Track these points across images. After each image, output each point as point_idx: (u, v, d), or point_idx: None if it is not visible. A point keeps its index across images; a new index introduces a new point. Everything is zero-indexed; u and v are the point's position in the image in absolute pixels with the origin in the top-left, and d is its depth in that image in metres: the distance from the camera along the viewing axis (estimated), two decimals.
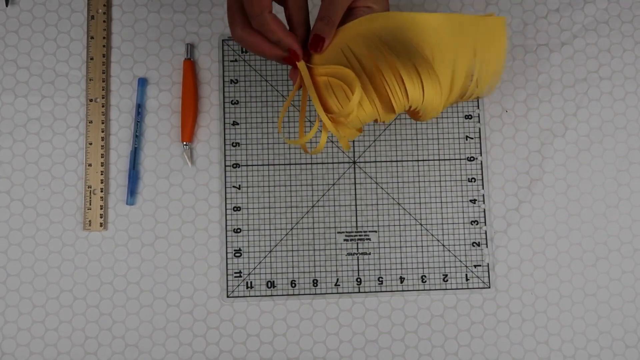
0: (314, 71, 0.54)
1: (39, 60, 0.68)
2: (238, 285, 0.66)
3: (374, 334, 0.66)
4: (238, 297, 0.66)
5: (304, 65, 0.53)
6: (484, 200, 0.68)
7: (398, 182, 0.68)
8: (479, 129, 0.69)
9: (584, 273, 0.68)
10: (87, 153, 0.67)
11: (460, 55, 0.55)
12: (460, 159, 0.69)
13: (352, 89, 0.52)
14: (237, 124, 0.68)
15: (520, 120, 0.69)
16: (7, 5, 0.69)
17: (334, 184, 0.68)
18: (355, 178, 0.68)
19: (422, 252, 0.67)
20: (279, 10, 0.54)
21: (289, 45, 0.52)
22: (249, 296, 0.66)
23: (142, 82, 0.68)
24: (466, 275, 0.67)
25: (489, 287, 0.67)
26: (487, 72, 0.57)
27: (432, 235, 0.67)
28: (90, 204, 0.66)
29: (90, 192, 0.67)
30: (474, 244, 0.67)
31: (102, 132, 0.67)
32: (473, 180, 0.68)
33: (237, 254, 0.67)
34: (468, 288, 0.67)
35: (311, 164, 0.68)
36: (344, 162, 0.68)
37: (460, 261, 0.67)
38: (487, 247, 0.67)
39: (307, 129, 0.68)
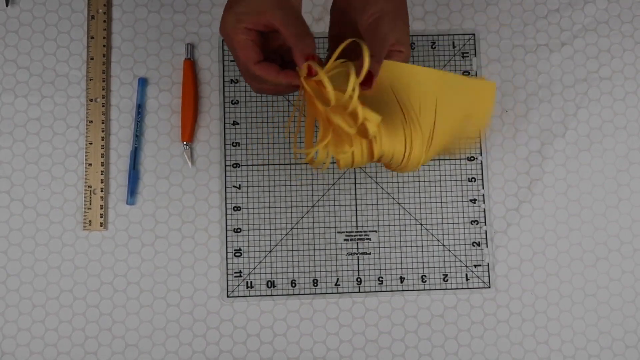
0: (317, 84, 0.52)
1: (39, 60, 0.69)
2: (238, 285, 0.66)
3: (374, 334, 0.66)
4: (238, 297, 0.66)
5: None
6: (484, 200, 0.68)
7: (398, 182, 0.68)
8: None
9: (584, 273, 0.68)
10: (87, 153, 0.67)
11: (445, 109, 0.54)
12: (460, 159, 0.69)
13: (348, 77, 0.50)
14: (237, 123, 0.68)
15: (520, 120, 0.69)
16: (7, 5, 0.69)
17: (334, 184, 0.68)
18: (355, 178, 0.68)
19: (422, 252, 0.67)
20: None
21: (287, 83, 0.51)
22: (249, 296, 0.66)
23: (142, 82, 0.68)
24: (466, 275, 0.67)
25: (489, 287, 0.67)
26: (473, 131, 0.59)
27: (432, 235, 0.67)
28: (90, 204, 0.66)
29: (90, 192, 0.67)
30: (474, 244, 0.68)
31: (102, 132, 0.67)
32: (473, 180, 0.68)
33: (237, 254, 0.67)
34: (468, 288, 0.67)
35: None
36: None
37: (460, 261, 0.67)
38: (487, 247, 0.67)
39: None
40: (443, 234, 0.68)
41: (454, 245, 0.67)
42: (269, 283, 0.67)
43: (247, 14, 0.50)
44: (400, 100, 0.52)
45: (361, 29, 0.54)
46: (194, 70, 0.69)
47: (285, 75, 0.51)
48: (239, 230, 0.67)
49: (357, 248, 0.67)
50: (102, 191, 0.67)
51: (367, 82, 0.50)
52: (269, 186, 0.68)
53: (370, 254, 0.67)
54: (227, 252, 0.67)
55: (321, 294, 0.67)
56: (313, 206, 0.68)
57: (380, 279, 0.67)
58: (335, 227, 0.67)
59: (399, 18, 0.53)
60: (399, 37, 0.53)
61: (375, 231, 0.67)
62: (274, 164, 0.68)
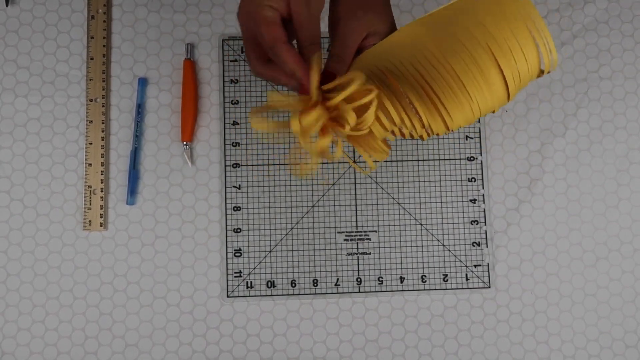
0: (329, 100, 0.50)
1: (39, 60, 0.68)
2: (238, 285, 0.66)
3: (374, 334, 0.66)
4: (238, 296, 0.66)
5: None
6: (484, 200, 0.68)
7: (398, 182, 0.68)
8: (479, 129, 0.69)
9: (584, 273, 0.68)
10: (87, 153, 0.67)
11: (472, 46, 0.48)
12: (460, 159, 0.69)
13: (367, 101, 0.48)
14: (237, 123, 0.68)
15: (520, 120, 0.69)
16: (7, 5, 0.69)
17: (334, 184, 0.68)
18: (355, 178, 0.68)
19: (422, 252, 0.67)
20: None
21: (300, 79, 0.49)
22: (249, 296, 0.66)
23: (142, 82, 0.68)
24: (466, 275, 0.67)
25: (489, 287, 0.67)
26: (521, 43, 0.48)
27: (432, 235, 0.67)
28: (90, 204, 0.66)
29: (90, 192, 0.67)
30: (474, 244, 0.68)
31: (102, 132, 0.67)
32: (473, 180, 0.68)
33: (237, 254, 0.67)
34: (468, 288, 0.67)
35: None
36: (344, 162, 0.68)
37: (460, 261, 0.67)
38: (487, 247, 0.67)
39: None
40: (443, 234, 0.68)
41: (454, 245, 0.67)
42: (269, 283, 0.67)
43: None
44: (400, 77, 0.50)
45: (329, 29, 0.54)
46: (194, 70, 0.69)
47: (301, 67, 0.49)
48: (239, 230, 0.67)
49: (357, 248, 0.67)
50: (102, 191, 0.67)
51: (329, 82, 0.49)
52: (269, 186, 0.68)
53: (370, 254, 0.67)
54: (227, 252, 0.67)
55: (321, 294, 0.67)
56: (313, 206, 0.68)
57: (380, 279, 0.67)
58: (335, 227, 0.67)
59: (368, 10, 0.52)
60: (371, 28, 0.52)
61: (375, 231, 0.67)
62: (274, 164, 0.68)
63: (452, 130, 0.51)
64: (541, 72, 0.51)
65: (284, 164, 0.68)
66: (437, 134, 0.52)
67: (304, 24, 0.50)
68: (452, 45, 0.48)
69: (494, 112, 0.52)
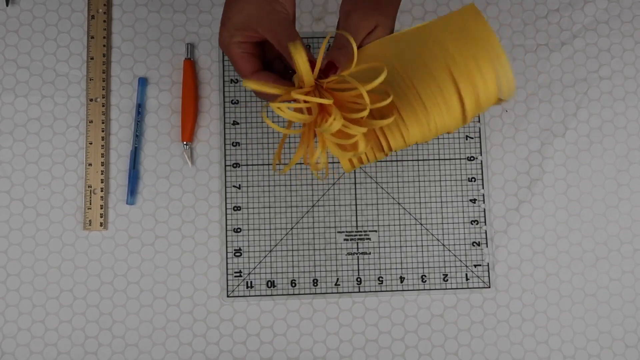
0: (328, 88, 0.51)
1: (39, 60, 0.68)
2: (238, 285, 0.66)
3: (374, 334, 0.66)
4: (238, 296, 0.66)
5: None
6: (484, 200, 0.68)
7: (398, 182, 0.68)
8: (479, 128, 0.69)
9: (584, 273, 0.68)
10: (87, 153, 0.67)
11: (436, 69, 0.50)
12: (460, 159, 0.69)
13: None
14: (237, 123, 0.68)
15: (520, 120, 0.69)
16: (7, 5, 0.69)
17: (334, 184, 0.68)
18: (355, 178, 0.68)
19: (422, 252, 0.67)
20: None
21: (285, 95, 0.50)
22: (249, 296, 0.66)
23: (143, 82, 0.68)
24: (466, 275, 0.67)
25: (489, 287, 0.67)
26: (488, 72, 0.50)
27: (432, 235, 0.68)
28: (90, 204, 0.66)
29: (90, 192, 0.67)
30: (474, 244, 0.68)
31: (102, 131, 0.67)
32: (473, 180, 0.68)
33: (237, 254, 0.67)
34: (468, 288, 0.67)
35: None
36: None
37: (460, 261, 0.67)
38: (487, 246, 0.67)
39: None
40: (443, 234, 0.68)
41: (454, 245, 0.67)
42: (269, 283, 0.67)
43: (237, 29, 0.51)
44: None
45: (340, 20, 0.55)
46: (194, 70, 0.69)
47: (278, 86, 0.51)
48: (239, 230, 0.67)
49: (357, 248, 0.67)
50: (102, 191, 0.67)
51: (329, 71, 0.51)
52: (269, 186, 0.68)
53: (370, 253, 0.67)
54: (227, 252, 0.67)
55: (321, 293, 0.67)
56: (313, 206, 0.68)
57: (380, 278, 0.67)
58: (335, 227, 0.67)
59: (376, 6, 0.53)
60: (378, 24, 0.53)
61: (375, 231, 0.67)
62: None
63: (408, 145, 0.53)
64: (499, 100, 0.53)
65: (284, 164, 0.68)
66: (394, 150, 0.54)
67: (275, 34, 0.51)
68: (415, 65, 0.51)
69: (449, 132, 0.54)
